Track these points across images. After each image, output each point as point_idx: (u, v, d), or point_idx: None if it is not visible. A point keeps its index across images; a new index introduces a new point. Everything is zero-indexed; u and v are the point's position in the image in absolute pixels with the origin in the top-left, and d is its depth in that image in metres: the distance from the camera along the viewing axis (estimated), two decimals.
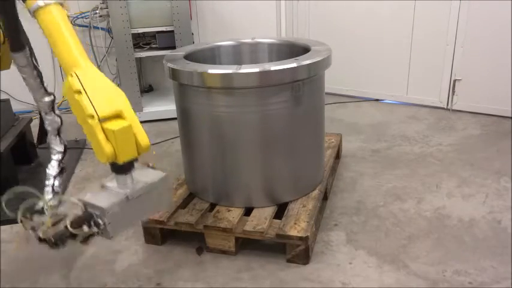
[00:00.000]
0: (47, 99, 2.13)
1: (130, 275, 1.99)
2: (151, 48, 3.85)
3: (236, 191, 2.18)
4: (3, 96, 3.53)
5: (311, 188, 2.29)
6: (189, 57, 2.27)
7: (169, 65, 2.08)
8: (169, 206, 2.12)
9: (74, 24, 4.10)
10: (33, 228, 1.57)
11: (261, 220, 2.06)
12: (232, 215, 2.10)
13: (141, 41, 3.95)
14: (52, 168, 1.87)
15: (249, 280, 1.92)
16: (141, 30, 3.69)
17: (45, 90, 2.17)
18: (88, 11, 3.97)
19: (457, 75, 3.66)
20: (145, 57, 3.86)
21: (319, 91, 2.24)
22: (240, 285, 1.89)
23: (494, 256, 1.98)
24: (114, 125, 1.48)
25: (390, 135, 3.34)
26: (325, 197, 2.43)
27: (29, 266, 2.08)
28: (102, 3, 3.81)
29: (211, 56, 2.58)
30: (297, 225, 1.99)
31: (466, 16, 3.47)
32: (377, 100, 4.15)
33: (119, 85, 4.12)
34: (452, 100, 3.75)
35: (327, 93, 2.46)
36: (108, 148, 1.48)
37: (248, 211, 2.15)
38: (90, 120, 1.46)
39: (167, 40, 3.73)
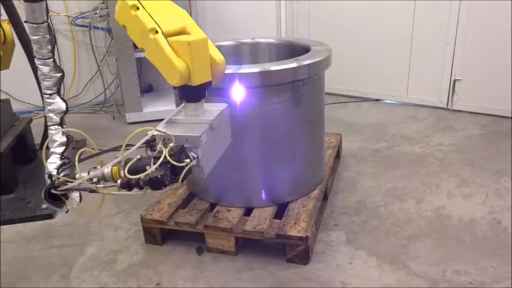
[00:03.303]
0: (56, 74, 1.95)
1: (130, 275, 1.99)
2: None
3: (236, 191, 2.18)
4: (3, 96, 3.53)
5: (311, 188, 2.29)
6: None
7: None
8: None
9: (74, 24, 4.11)
10: (134, 173, 1.33)
11: (261, 220, 2.05)
12: (232, 215, 2.10)
13: None
14: (49, 165, 1.73)
15: (249, 280, 1.92)
16: None
17: (55, 62, 1.94)
18: (88, 11, 3.98)
19: (457, 75, 3.66)
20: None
21: (319, 91, 2.24)
22: (240, 285, 1.89)
23: (494, 256, 1.98)
24: (186, 37, 1.26)
25: (390, 135, 3.34)
26: (325, 197, 2.43)
27: (29, 266, 2.08)
28: (102, 3, 3.81)
29: None
30: (297, 225, 1.99)
31: (466, 16, 3.47)
32: (377, 100, 4.15)
33: (118, 85, 4.13)
34: (452, 100, 3.75)
35: (327, 93, 2.46)
36: (180, 63, 1.25)
37: (248, 211, 2.15)
38: (152, 35, 1.26)
39: None
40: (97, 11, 3.87)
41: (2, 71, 2.87)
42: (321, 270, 1.94)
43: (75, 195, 1.62)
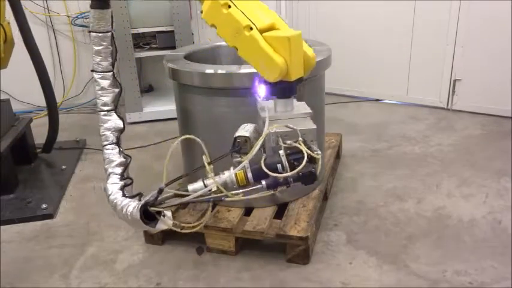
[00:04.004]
0: (115, 89, 1.80)
1: (131, 275, 1.98)
2: (151, 48, 3.85)
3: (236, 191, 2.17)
4: (3, 96, 3.53)
5: (311, 188, 2.29)
6: (189, 57, 2.27)
7: (170, 65, 2.08)
8: None
9: (74, 24, 4.11)
10: (275, 172, 1.36)
11: (261, 220, 2.05)
12: (232, 215, 2.10)
13: (141, 41, 3.95)
14: (112, 186, 1.61)
15: (249, 280, 1.92)
16: (141, 30, 3.69)
17: (114, 76, 1.77)
18: (88, 11, 3.96)
19: (457, 75, 3.66)
20: (145, 57, 3.86)
21: (319, 91, 2.24)
22: (240, 285, 1.89)
23: (494, 256, 1.98)
24: (283, 33, 1.28)
25: (390, 135, 3.34)
26: (325, 197, 2.43)
27: (29, 266, 2.08)
28: None
29: (211, 56, 2.58)
30: (297, 225, 1.99)
31: (466, 16, 3.47)
32: (377, 100, 4.15)
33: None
34: (452, 100, 3.75)
35: (327, 93, 2.46)
36: (279, 59, 1.27)
37: (248, 211, 2.15)
38: (248, 32, 1.28)
39: (167, 40, 3.73)
40: None
41: (1, 71, 2.87)
42: (321, 270, 1.94)
43: (168, 213, 1.54)
